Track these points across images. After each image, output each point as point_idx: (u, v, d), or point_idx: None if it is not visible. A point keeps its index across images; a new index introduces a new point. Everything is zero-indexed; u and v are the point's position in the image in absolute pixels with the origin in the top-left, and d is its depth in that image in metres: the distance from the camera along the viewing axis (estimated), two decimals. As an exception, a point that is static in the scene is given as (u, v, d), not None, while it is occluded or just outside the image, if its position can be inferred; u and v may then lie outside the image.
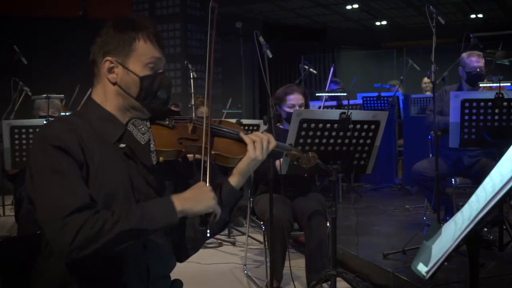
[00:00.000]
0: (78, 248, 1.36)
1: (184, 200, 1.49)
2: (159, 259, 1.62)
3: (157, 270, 1.61)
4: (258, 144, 1.69)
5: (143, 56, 1.58)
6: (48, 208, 1.40)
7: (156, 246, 1.60)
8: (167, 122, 1.66)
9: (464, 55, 4.36)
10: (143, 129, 1.61)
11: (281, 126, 3.61)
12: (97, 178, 1.48)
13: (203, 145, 1.61)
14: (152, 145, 1.59)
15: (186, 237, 1.72)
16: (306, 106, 3.62)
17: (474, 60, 4.28)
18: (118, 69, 1.58)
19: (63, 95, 4.52)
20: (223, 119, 1.79)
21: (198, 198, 1.51)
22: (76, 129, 1.51)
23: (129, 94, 1.58)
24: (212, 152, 1.66)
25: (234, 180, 1.70)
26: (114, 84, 1.58)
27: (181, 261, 1.77)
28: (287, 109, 3.52)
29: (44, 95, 4.25)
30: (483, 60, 4.30)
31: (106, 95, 1.60)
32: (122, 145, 1.57)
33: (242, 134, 1.72)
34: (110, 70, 1.58)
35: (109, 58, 1.57)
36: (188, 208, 1.49)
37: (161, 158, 1.60)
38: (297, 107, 3.48)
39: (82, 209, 1.39)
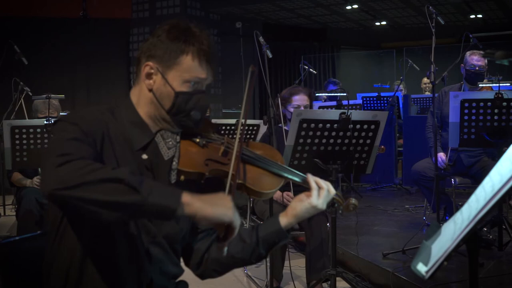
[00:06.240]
0: (63, 181, 1.23)
1: (196, 198, 1.31)
2: (162, 271, 1.57)
3: (161, 282, 1.57)
4: (323, 192, 1.56)
5: (186, 72, 1.49)
6: (52, 153, 1.30)
7: (160, 261, 1.55)
8: (198, 140, 1.55)
9: (468, 53, 4.37)
10: (170, 143, 1.52)
11: (285, 127, 3.60)
12: None
13: (230, 171, 1.46)
14: (174, 163, 1.49)
15: (213, 258, 1.64)
16: (310, 107, 3.63)
17: (475, 58, 4.29)
18: (157, 77, 1.50)
19: (63, 95, 4.52)
20: (259, 143, 1.65)
21: (213, 201, 1.33)
22: (105, 124, 1.46)
23: (161, 105, 1.50)
24: (239, 181, 1.50)
25: (285, 221, 1.58)
26: (150, 90, 1.51)
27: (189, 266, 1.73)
28: (293, 110, 3.52)
29: (45, 95, 4.26)
30: (485, 60, 4.30)
31: (140, 99, 1.54)
32: (145, 157, 1.50)
33: (309, 178, 1.56)
34: (149, 76, 1.51)
35: (150, 63, 1.50)
36: (197, 207, 1.30)
37: (182, 177, 1.49)
38: (302, 108, 3.48)
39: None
